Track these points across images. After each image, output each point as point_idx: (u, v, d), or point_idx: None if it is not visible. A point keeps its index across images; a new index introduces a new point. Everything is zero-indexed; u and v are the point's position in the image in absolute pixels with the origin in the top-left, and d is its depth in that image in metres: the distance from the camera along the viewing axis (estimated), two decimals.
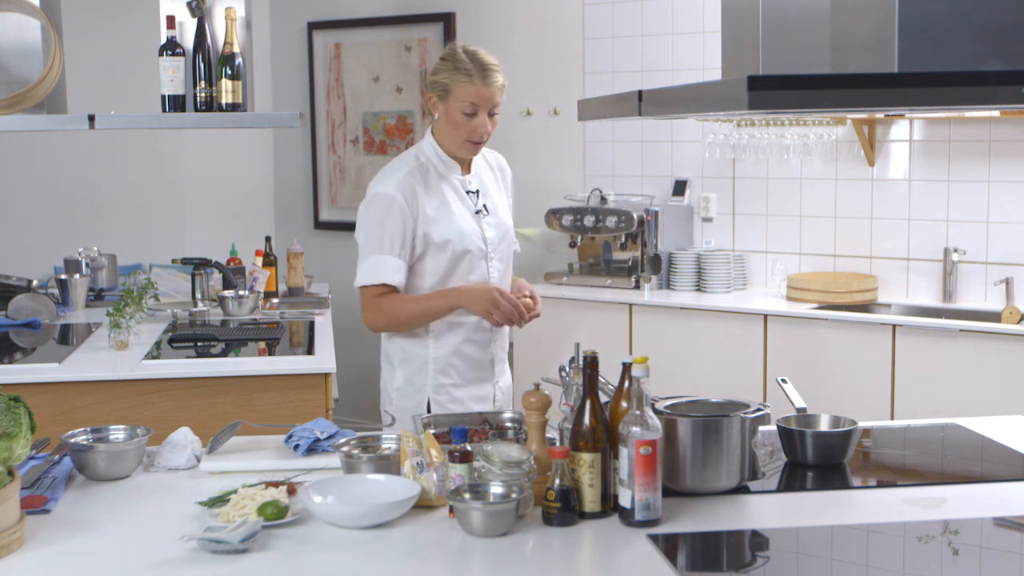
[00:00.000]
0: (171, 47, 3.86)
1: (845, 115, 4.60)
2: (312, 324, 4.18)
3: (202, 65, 3.89)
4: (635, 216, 5.11)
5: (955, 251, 4.71)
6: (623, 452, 2.05)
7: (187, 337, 3.96)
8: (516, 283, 3.13)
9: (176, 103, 3.88)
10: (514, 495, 2.05)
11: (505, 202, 3.11)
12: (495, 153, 3.16)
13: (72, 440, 2.42)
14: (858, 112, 3.88)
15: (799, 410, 2.56)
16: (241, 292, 4.43)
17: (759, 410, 2.27)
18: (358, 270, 2.93)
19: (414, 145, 3.05)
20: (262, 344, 3.88)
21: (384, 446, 2.38)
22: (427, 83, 2.97)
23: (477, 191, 3.01)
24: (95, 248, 4.93)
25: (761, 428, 2.48)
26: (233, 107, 3.86)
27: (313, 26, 6.43)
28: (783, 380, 2.70)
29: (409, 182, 2.90)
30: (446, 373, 2.99)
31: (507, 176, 3.17)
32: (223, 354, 3.76)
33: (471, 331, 3.00)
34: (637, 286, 5.15)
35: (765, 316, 4.66)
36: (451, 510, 2.08)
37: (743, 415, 2.23)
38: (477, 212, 2.99)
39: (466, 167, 3.02)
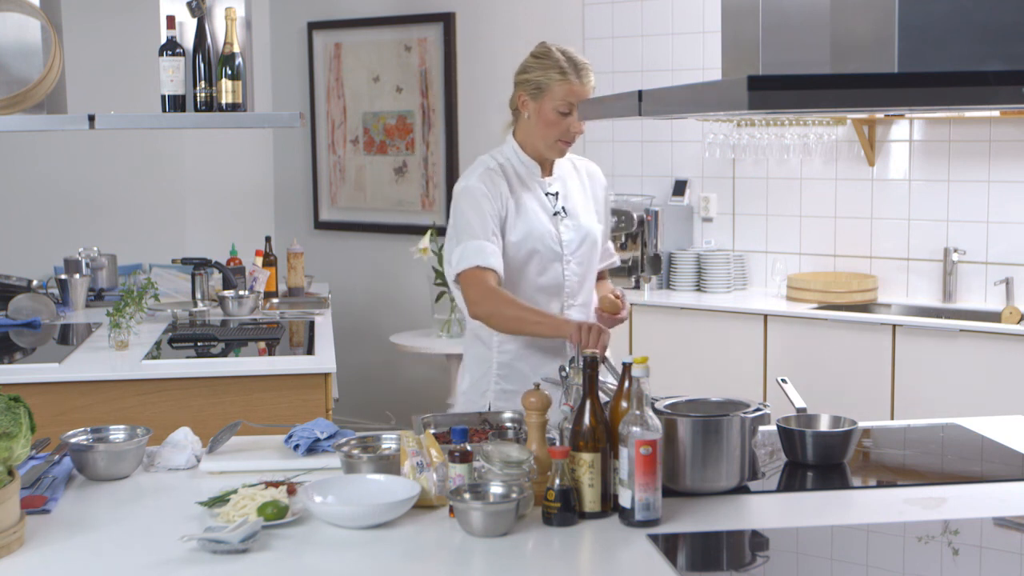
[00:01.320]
0: (171, 47, 3.86)
1: (845, 115, 4.60)
2: (312, 324, 4.18)
3: (202, 65, 3.89)
4: (635, 216, 5.11)
5: (955, 251, 4.71)
6: (623, 452, 2.05)
7: (187, 337, 3.96)
8: (605, 286, 3.06)
9: (176, 103, 3.88)
10: (514, 495, 2.05)
11: (591, 207, 3.03)
12: (587, 161, 3.11)
13: (72, 440, 2.42)
14: (858, 112, 3.88)
15: (799, 410, 2.56)
16: (241, 292, 4.43)
17: (758, 410, 2.27)
18: (452, 259, 2.84)
19: (495, 149, 3.00)
20: (262, 344, 3.88)
21: (384, 446, 2.38)
22: (516, 82, 2.93)
23: (557, 193, 2.97)
24: (95, 248, 4.93)
25: (761, 428, 2.48)
26: (233, 107, 3.86)
27: (313, 26, 6.43)
28: (783, 380, 2.70)
29: (491, 177, 2.88)
30: (509, 379, 2.92)
31: (598, 184, 3.09)
32: (223, 354, 3.76)
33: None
34: (637, 286, 5.15)
35: (765, 316, 4.66)
36: (451, 510, 2.08)
37: (743, 415, 2.23)
38: (555, 214, 2.95)
39: (547, 169, 2.98)
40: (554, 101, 2.85)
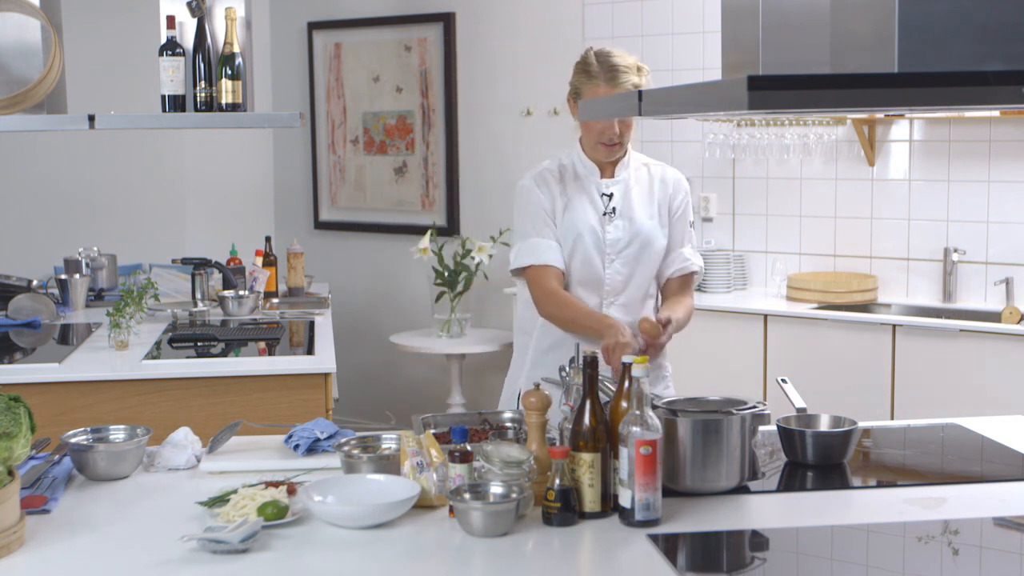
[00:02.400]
0: (171, 47, 3.86)
1: (845, 115, 4.60)
2: (312, 324, 4.18)
3: (202, 65, 3.89)
4: None
5: (955, 251, 4.71)
6: (623, 452, 2.05)
7: (187, 337, 3.96)
8: (679, 304, 2.99)
9: (176, 103, 3.88)
10: (514, 495, 2.05)
11: (654, 212, 3.01)
12: (668, 168, 3.08)
13: (72, 440, 2.42)
14: (858, 112, 3.88)
15: (799, 410, 2.57)
16: (241, 292, 4.43)
17: (755, 407, 2.27)
18: (511, 255, 3.01)
19: (566, 151, 3.07)
20: (262, 344, 3.88)
21: (384, 446, 2.38)
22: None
23: (612, 194, 2.99)
24: (95, 248, 4.93)
25: (761, 428, 2.48)
26: (233, 107, 3.86)
27: (313, 26, 6.43)
28: (783, 380, 2.70)
29: (544, 175, 3.00)
30: (540, 367, 2.96)
31: (670, 189, 3.05)
32: (223, 354, 3.76)
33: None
34: None
35: (765, 316, 4.66)
36: (451, 510, 2.09)
37: (740, 410, 2.23)
38: (605, 213, 2.97)
39: (608, 172, 3.00)
40: None
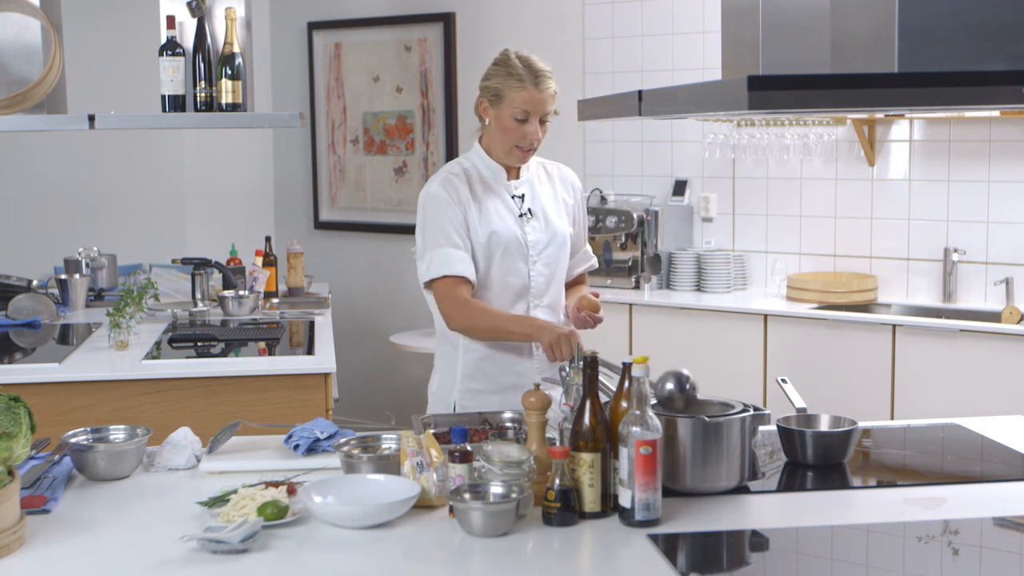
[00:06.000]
0: (171, 47, 3.86)
1: (845, 115, 4.60)
2: (312, 324, 4.18)
3: (202, 65, 3.89)
4: (635, 216, 5.11)
5: (955, 251, 4.71)
6: (623, 452, 2.05)
7: (187, 337, 3.96)
8: (583, 289, 3.10)
9: (176, 103, 3.88)
10: (514, 495, 2.05)
11: (561, 210, 3.03)
12: (562, 167, 3.10)
13: (72, 440, 2.42)
14: (858, 112, 3.88)
15: (799, 410, 2.57)
16: (241, 292, 4.44)
17: (757, 409, 2.27)
18: (420, 268, 2.91)
19: (465, 154, 3.04)
20: (262, 344, 3.88)
21: (384, 446, 2.38)
22: (479, 88, 2.95)
23: (523, 195, 2.97)
24: (95, 248, 4.93)
25: (761, 428, 2.48)
26: (233, 107, 3.86)
27: (313, 26, 6.43)
28: (783, 380, 2.70)
29: (451, 181, 2.92)
30: (474, 378, 2.94)
31: (570, 188, 3.08)
32: (223, 354, 3.76)
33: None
34: (637, 286, 5.15)
35: (765, 316, 4.66)
36: (451, 510, 2.09)
37: (740, 411, 2.23)
38: (521, 215, 2.95)
39: (513, 173, 2.98)
40: (511, 108, 2.86)
